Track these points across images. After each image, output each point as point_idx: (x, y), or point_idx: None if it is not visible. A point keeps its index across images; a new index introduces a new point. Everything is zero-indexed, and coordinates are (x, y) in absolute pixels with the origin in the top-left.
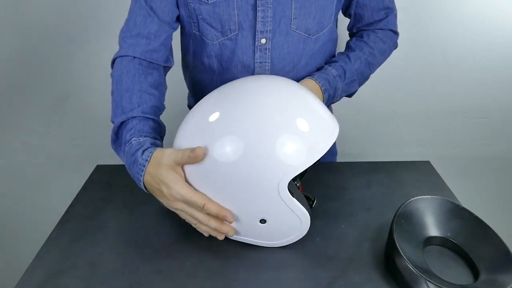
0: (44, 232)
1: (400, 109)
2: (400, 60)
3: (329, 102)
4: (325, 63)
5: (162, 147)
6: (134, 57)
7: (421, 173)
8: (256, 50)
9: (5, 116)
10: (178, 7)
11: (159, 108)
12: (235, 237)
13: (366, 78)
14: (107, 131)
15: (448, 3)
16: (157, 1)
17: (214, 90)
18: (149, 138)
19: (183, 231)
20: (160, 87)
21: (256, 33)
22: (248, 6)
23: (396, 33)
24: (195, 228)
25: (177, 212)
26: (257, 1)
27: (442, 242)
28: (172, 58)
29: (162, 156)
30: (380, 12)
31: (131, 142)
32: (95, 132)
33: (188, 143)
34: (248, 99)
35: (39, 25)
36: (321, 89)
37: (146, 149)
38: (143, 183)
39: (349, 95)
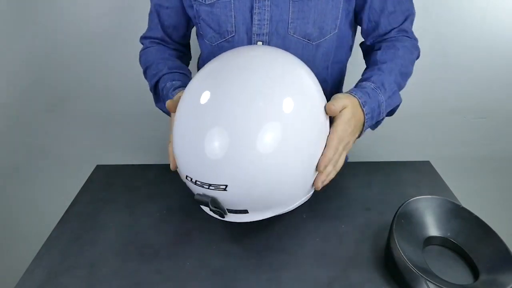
0: (44, 232)
1: (400, 109)
2: None
3: (374, 118)
4: (357, 83)
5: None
6: (153, 41)
7: (421, 173)
8: None
9: (5, 116)
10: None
11: (185, 67)
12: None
13: (400, 88)
14: (107, 131)
15: (448, 3)
16: (165, 12)
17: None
18: (180, 82)
19: (183, 231)
20: (181, 59)
21: (253, 36)
22: (246, 8)
23: (416, 39)
24: (195, 228)
25: None
26: (254, 4)
27: (442, 242)
28: (190, 53)
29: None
30: (398, 17)
31: (166, 85)
32: (95, 132)
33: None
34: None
35: (39, 25)
36: (359, 102)
37: (177, 87)
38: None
39: (392, 111)
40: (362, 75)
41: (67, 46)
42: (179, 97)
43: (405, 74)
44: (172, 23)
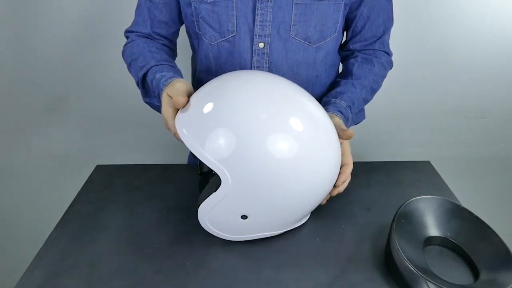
0: (44, 232)
1: (400, 109)
2: (400, 60)
3: None
4: (331, 94)
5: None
6: (139, 35)
7: (421, 173)
8: (253, 54)
9: (5, 116)
10: (181, 8)
11: (172, 62)
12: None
13: (366, 103)
14: (107, 131)
15: (448, 3)
16: (156, 8)
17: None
18: (171, 73)
19: (183, 231)
20: (168, 55)
21: (254, 37)
22: (248, 8)
23: (390, 54)
24: (195, 228)
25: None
26: (257, 5)
27: (442, 242)
28: (175, 52)
29: (172, 85)
30: (379, 27)
31: (155, 77)
32: (95, 132)
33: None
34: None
35: (39, 25)
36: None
37: (169, 78)
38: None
39: (355, 124)
40: (336, 85)
41: (67, 46)
42: (184, 84)
43: (375, 90)
44: (163, 19)
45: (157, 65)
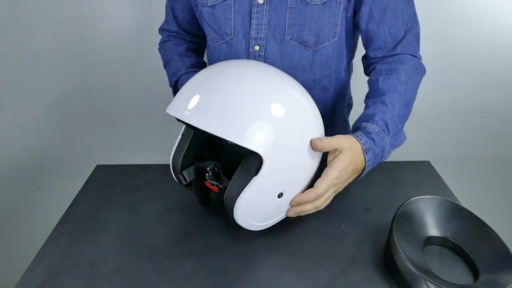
0: (44, 232)
1: None
2: None
3: (376, 163)
4: (361, 117)
5: None
6: (170, 34)
7: (421, 173)
8: (249, 57)
9: (5, 116)
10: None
11: (200, 62)
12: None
13: (404, 120)
14: (107, 131)
15: (448, 3)
16: (177, 8)
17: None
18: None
19: (183, 231)
20: (197, 52)
21: (250, 40)
22: (245, 12)
23: (418, 57)
24: (195, 228)
25: None
26: (253, 8)
27: (442, 242)
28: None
29: None
30: (399, 29)
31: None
32: (95, 132)
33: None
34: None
35: (39, 24)
36: (362, 148)
37: None
38: None
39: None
40: (366, 106)
41: (67, 46)
42: None
43: (410, 102)
44: (185, 18)
45: (186, 73)
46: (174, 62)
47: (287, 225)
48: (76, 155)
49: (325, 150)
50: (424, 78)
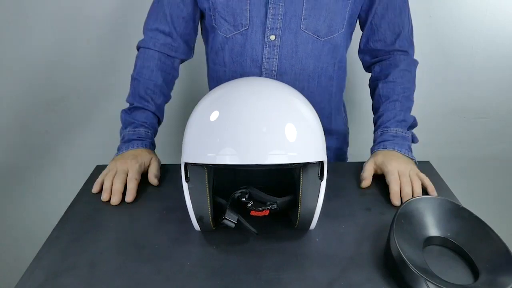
0: (44, 232)
1: None
2: None
3: (404, 145)
4: (377, 126)
5: (151, 138)
6: (155, 50)
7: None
8: (265, 46)
9: (5, 116)
10: (198, 4)
11: (166, 100)
12: None
13: (411, 108)
14: (107, 131)
15: (448, 3)
16: (175, 2)
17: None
18: (143, 131)
19: (183, 231)
20: (172, 78)
21: (266, 30)
22: (261, 2)
23: (410, 52)
24: (195, 228)
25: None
26: None
27: (442, 242)
28: (193, 50)
29: (136, 156)
30: (398, 25)
31: (132, 122)
32: (95, 132)
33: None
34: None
35: (39, 24)
36: (399, 152)
37: (139, 140)
38: (120, 150)
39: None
40: (375, 111)
41: (67, 45)
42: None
43: (410, 95)
44: (182, 14)
45: (145, 109)
46: (144, 89)
47: (287, 225)
48: (76, 155)
49: (369, 179)
50: (424, 78)
